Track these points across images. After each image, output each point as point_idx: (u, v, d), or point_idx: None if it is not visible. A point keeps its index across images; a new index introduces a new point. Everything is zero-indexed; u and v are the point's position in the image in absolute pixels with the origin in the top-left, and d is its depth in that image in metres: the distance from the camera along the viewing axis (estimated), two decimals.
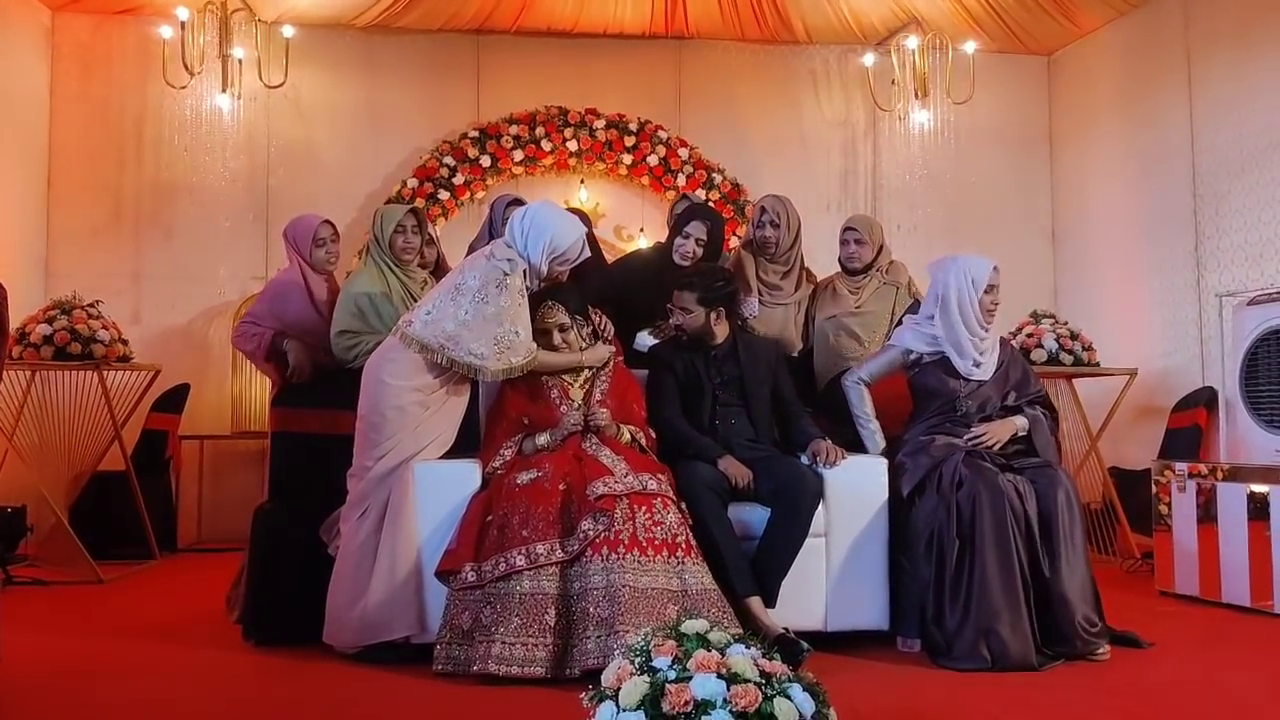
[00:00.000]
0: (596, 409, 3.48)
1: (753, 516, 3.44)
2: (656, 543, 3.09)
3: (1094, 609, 3.37)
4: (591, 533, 3.08)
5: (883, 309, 4.09)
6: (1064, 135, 6.92)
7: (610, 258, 4.99)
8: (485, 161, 6.43)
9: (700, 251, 3.96)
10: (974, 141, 6.77)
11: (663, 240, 4.40)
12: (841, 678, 2.89)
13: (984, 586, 3.24)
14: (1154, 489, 4.57)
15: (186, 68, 5.92)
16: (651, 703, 2.08)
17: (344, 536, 3.40)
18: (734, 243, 5.67)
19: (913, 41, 6.37)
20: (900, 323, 3.91)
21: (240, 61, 6.09)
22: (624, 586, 2.98)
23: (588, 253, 3.61)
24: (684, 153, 6.58)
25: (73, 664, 3.34)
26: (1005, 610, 3.22)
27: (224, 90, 6.08)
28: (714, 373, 3.67)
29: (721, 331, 3.70)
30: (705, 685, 2.07)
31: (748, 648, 2.19)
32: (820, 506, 3.44)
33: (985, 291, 3.64)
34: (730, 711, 2.04)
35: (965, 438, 3.55)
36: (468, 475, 3.38)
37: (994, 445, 3.54)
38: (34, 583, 4.70)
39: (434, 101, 6.59)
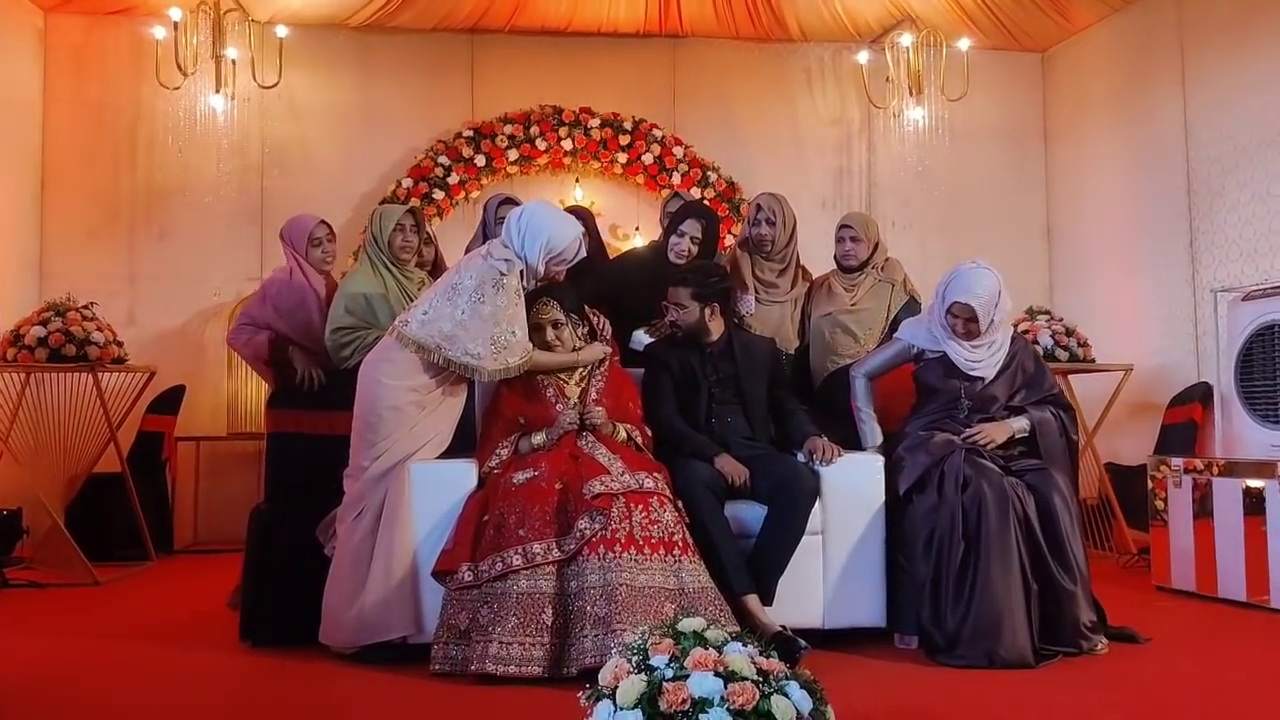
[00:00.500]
0: (592, 407, 3.47)
1: (749, 514, 3.43)
2: (653, 541, 3.08)
3: (1091, 606, 3.37)
4: (588, 531, 3.07)
5: (878, 306, 4.08)
6: (1058, 132, 6.92)
7: None
8: (480, 161, 6.42)
9: (695, 250, 3.96)
10: (968, 138, 6.78)
11: (658, 239, 4.39)
12: (839, 675, 2.89)
13: (987, 587, 3.24)
14: (1150, 484, 4.58)
15: (180, 68, 5.91)
16: (649, 701, 2.08)
17: (340, 537, 3.39)
18: (729, 241, 5.67)
19: (907, 39, 6.38)
20: (896, 321, 3.91)
21: (234, 62, 6.08)
22: (621, 585, 2.97)
23: (584, 252, 3.61)
24: (679, 151, 6.58)
25: (69, 666, 3.34)
26: (1006, 610, 3.22)
27: (217, 91, 6.07)
28: (710, 371, 3.67)
29: (716, 328, 3.70)
30: (702, 683, 2.07)
31: (745, 646, 2.19)
32: (817, 504, 3.44)
33: (952, 313, 3.56)
34: (728, 710, 2.03)
35: (962, 435, 3.54)
36: (464, 475, 3.37)
37: (989, 445, 3.53)
38: (30, 585, 4.70)
39: (428, 101, 6.58)
